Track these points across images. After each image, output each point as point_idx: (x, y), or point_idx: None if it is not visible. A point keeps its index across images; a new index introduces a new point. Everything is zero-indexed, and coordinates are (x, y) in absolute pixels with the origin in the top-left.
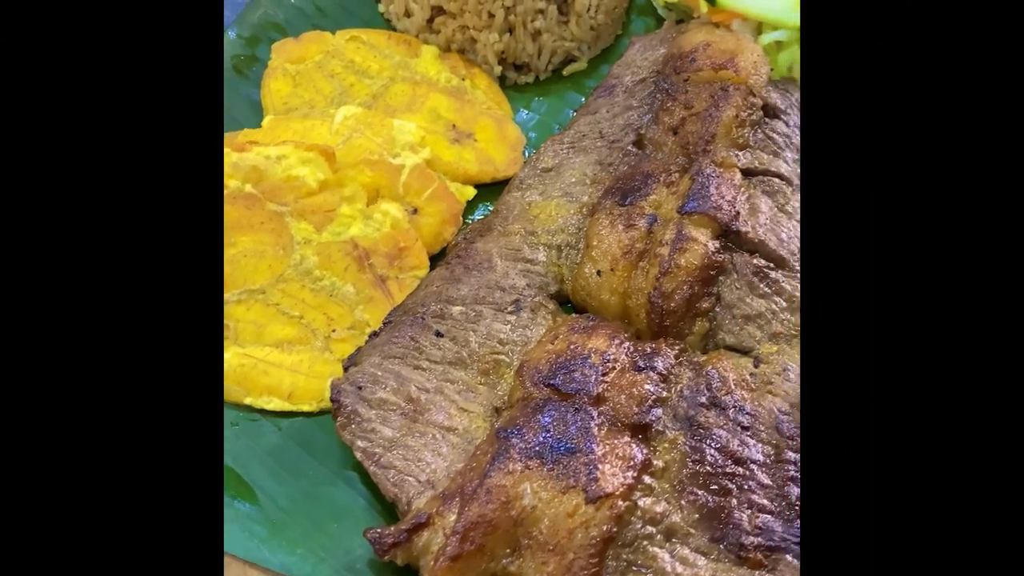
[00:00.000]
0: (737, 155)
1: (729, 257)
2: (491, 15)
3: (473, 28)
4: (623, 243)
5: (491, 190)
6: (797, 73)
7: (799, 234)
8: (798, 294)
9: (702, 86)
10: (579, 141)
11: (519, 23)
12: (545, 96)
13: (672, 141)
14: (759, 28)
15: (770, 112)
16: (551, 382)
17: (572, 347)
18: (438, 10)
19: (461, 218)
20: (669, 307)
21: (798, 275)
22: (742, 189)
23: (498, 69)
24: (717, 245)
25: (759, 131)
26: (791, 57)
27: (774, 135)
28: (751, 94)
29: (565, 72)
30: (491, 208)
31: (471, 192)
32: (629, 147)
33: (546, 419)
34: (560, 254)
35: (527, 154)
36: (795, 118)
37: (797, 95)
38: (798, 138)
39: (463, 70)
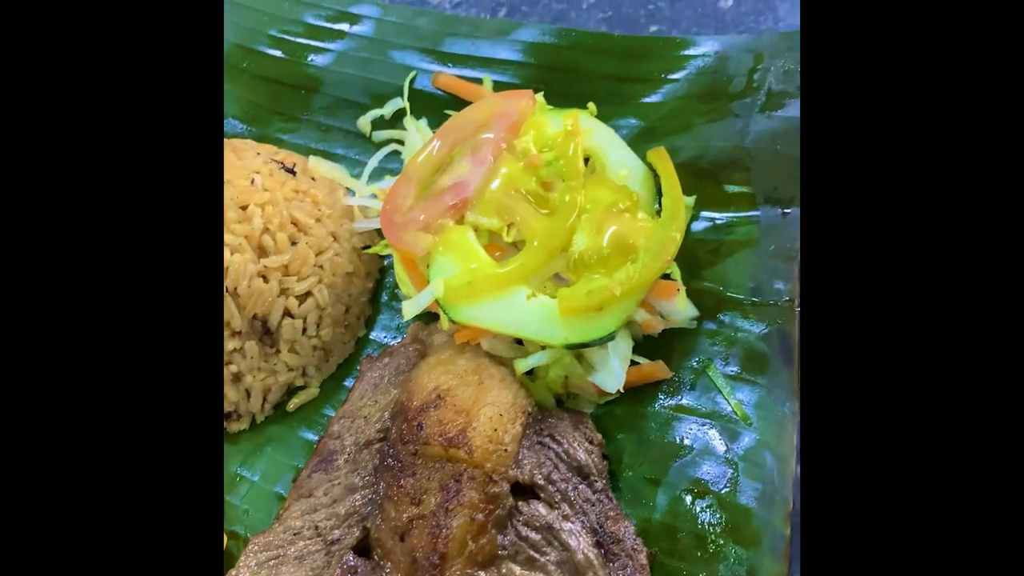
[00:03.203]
0: None
1: None
2: None
3: None
4: None
5: None
6: (576, 386)
7: None
8: None
9: (432, 467)
10: (290, 543)
11: None
12: (267, 444)
13: (400, 550)
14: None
15: (525, 490)
16: None
17: None
18: None
19: None
20: None
21: None
22: None
23: None
24: None
25: (510, 528)
26: (563, 370)
27: (530, 532)
28: (490, 481)
29: (290, 407)
30: None
31: None
32: (349, 556)
33: None
34: None
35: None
36: (562, 483)
37: (570, 440)
38: (566, 519)
39: None
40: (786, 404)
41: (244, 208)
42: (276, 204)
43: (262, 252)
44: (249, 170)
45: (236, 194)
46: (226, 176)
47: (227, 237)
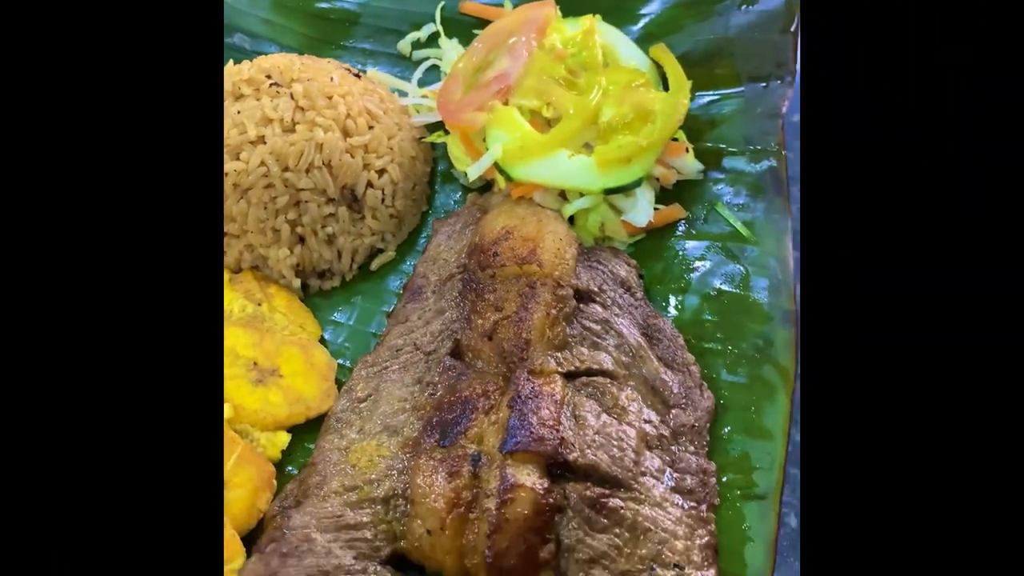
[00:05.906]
0: (556, 357)
1: (562, 491)
2: (276, 230)
3: (260, 246)
4: (448, 496)
5: (308, 428)
6: (610, 230)
7: (631, 435)
8: (640, 518)
9: (510, 282)
10: (394, 358)
11: (309, 233)
12: (356, 296)
13: (489, 347)
14: (564, 193)
15: (583, 296)
16: None
17: None
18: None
19: (275, 481)
20: (508, 566)
21: (637, 495)
22: (565, 401)
23: (297, 282)
24: (546, 483)
25: (575, 323)
26: (600, 216)
27: (591, 324)
28: (559, 286)
29: (373, 267)
30: (310, 457)
31: (284, 440)
32: (446, 358)
33: None
34: (388, 507)
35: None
36: (611, 292)
37: (612, 263)
38: (617, 316)
39: (259, 292)
40: (781, 222)
41: (330, 98)
42: (353, 96)
43: (347, 133)
44: (327, 72)
45: (321, 87)
46: (309, 75)
47: (319, 119)
